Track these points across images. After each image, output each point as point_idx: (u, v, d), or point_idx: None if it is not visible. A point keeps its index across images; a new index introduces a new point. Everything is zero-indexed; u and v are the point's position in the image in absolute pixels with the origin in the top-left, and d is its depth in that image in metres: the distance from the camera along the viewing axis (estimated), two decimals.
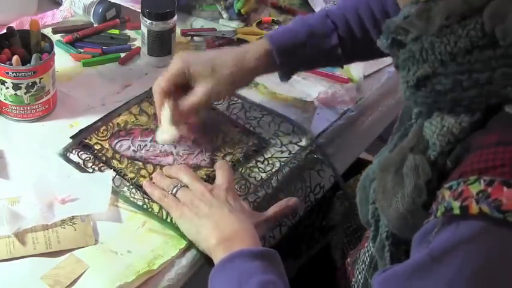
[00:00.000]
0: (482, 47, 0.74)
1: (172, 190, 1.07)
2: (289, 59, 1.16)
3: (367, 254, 0.99)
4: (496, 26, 0.73)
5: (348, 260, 1.09)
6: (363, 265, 1.00)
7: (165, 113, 1.15)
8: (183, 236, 1.04)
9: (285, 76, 1.21)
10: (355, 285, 1.02)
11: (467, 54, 0.74)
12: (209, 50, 1.32)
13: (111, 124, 1.22)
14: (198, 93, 1.14)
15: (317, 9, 1.52)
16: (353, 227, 1.21)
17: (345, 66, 1.26)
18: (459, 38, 0.75)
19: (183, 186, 1.08)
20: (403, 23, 0.79)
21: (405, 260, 0.80)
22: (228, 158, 1.18)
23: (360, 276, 1.01)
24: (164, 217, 1.06)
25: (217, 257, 0.98)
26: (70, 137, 1.18)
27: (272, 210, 1.08)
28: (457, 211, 0.71)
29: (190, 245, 1.04)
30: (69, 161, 1.14)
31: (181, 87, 1.15)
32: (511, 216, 0.68)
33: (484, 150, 0.72)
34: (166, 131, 1.16)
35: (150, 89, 1.28)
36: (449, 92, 0.76)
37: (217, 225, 1.00)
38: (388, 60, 1.42)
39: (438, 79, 0.77)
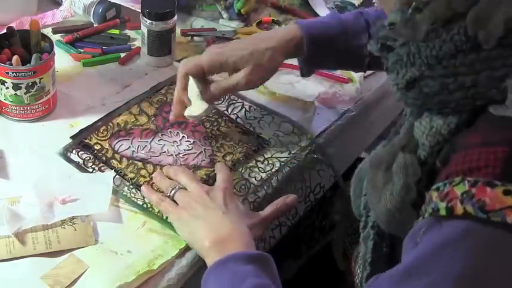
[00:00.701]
0: (466, 51, 0.75)
1: (170, 192, 1.08)
2: (318, 51, 1.16)
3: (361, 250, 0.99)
4: (478, 31, 0.74)
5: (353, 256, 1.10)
6: (360, 260, 1.00)
7: (193, 91, 1.16)
8: None
9: (307, 70, 1.21)
10: (358, 279, 1.03)
11: (452, 58, 0.76)
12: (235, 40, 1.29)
13: (111, 124, 1.21)
14: (240, 75, 1.14)
15: (317, 9, 1.52)
16: (354, 226, 1.20)
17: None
18: (444, 43, 0.76)
19: (181, 188, 1.08)
20: (391, 33, 0.81)
21: (386, 251, 0.88)
22: (228, 158, 1.18)
23: (359, 270, 1.02)
24: (164, 217, 1.06)
25: (210, 259, 0.97)
26: (70, 137, 1.18)
27: (269, 209, 1.08)
28: (443, 212, 0.72)
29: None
30: (69, 160, 1.14)
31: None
32: (494, 216, 0.69)
33: (469, 150, 0.73)
34: (197, 107, 1.16)
35: (150, 89, 1.29)
36: (437, 95, 0.78)
37: (210, 227, 1.01)
38: None
39: (426, 82, 0.78)
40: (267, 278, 0.94)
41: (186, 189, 1.08)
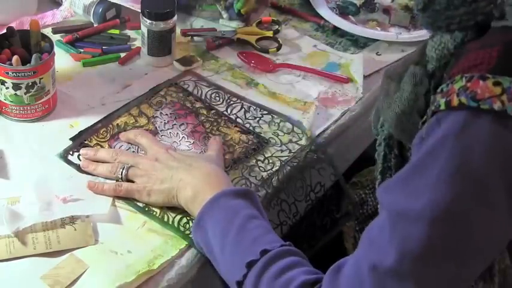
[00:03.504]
0: None
1: (120, 174, 1.09)
2: None
3: None
4: None
5: None
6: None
7: None
8: (183, 236, 1.04)
9: None
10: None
11: None
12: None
13: (110, 126, 1.21)
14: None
15: (318, 9, 1.52)
16: (365, 214, 1.22)
17: (345, 65, 1.25)
18: None
19: (129, 166, 1.10)
20: None
21: (394, 161, 0.98)
22: (227, 157, 1.18)
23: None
24: (165, 219, 1.06)
25: (195, 209, 1.02)
26: (70, 139, 1.18)
27: (214, 145, 1.16)
28: (443, 106, 0.79)
29: (191, 245, 1.04)
30: (69, 162, 1.14)
31: None
32: (484, 104, 0.76)
33: (470, 54, 0.81)
34: None
35: (150, 90, 1.29)
36: (444, 11, 0.87)
37: (184, 182, 1.05)
38: (387, 60, 1.42)
39: (438, 0, 0.87)
40: (255, 209, 1.01)
41: (132, 166, 1.10)
